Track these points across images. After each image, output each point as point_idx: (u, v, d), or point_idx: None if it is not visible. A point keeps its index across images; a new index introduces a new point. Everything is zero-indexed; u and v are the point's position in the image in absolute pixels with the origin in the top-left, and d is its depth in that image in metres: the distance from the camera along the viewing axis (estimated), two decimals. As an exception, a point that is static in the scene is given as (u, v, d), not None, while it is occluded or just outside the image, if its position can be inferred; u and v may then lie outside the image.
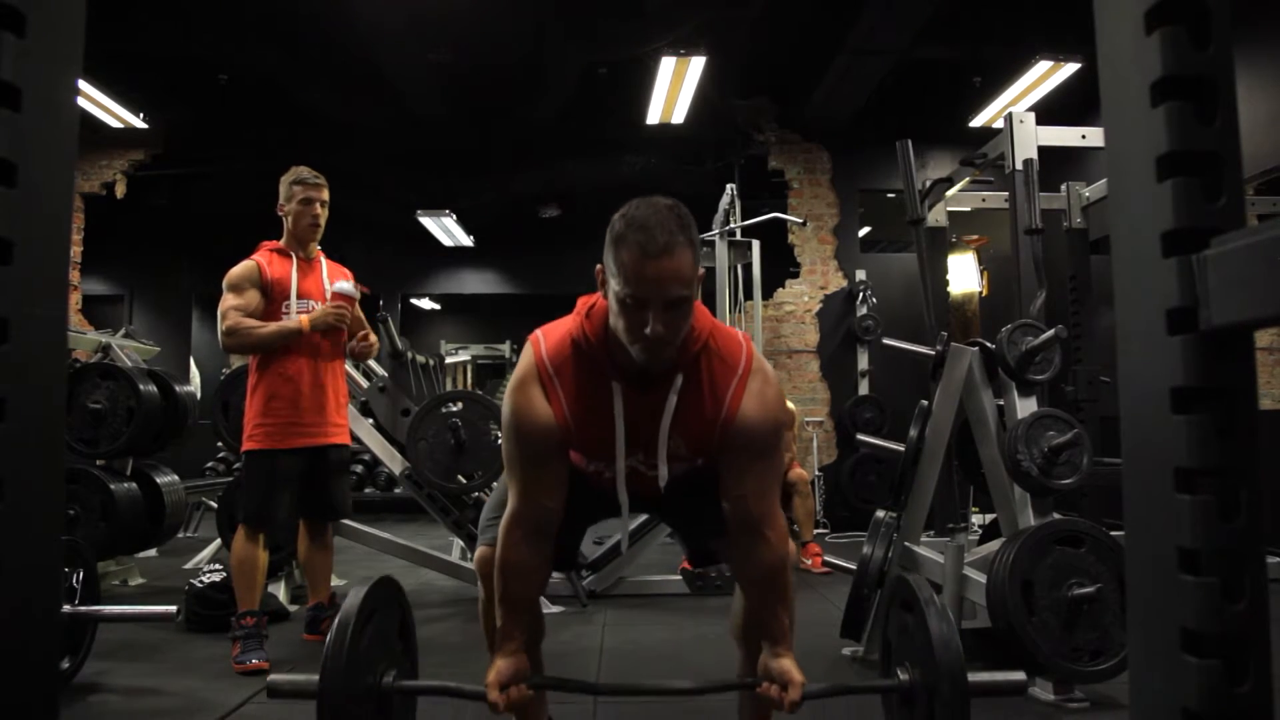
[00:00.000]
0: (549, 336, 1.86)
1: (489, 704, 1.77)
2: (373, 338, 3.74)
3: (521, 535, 1.84)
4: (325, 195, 3.57)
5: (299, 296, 3.48)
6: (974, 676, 1.76)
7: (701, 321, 1.82)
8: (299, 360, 3.44)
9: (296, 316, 3.44)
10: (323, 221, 3.56)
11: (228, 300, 3.39)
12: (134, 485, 4.56)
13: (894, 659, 1.99)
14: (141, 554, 5.24)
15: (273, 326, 3.37)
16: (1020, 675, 1.87)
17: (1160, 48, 0.66)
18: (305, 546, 3.70)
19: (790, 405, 6.20)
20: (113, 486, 4.34)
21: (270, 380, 3.41)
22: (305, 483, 3.49)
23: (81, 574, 2.95)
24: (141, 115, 7.82)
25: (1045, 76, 6.61)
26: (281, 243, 3.56)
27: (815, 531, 5.81)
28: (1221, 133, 0.65)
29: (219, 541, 5.16)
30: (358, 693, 1.74)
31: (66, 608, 2.83)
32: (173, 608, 2.98)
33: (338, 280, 3.59)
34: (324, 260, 3.65)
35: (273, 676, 1.84)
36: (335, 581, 5.01)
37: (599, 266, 1.72)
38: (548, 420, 1.80)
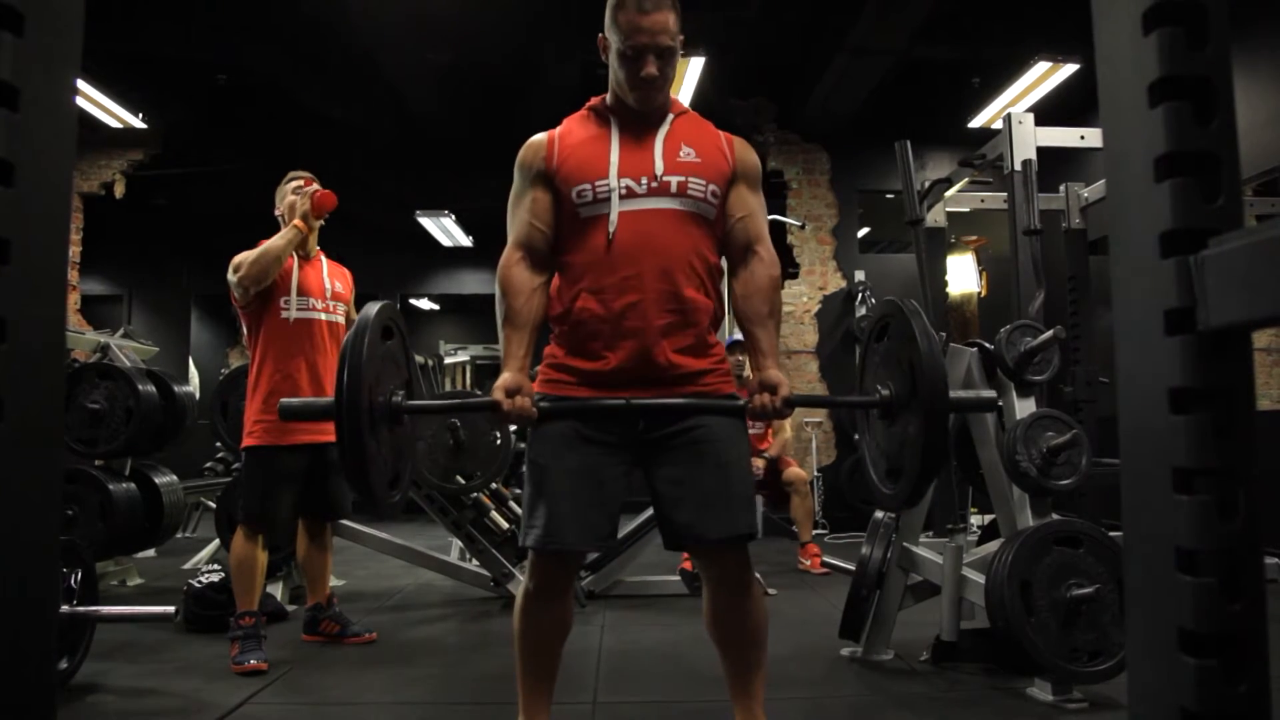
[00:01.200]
0: None
1: (493, 407, 1.96)
2: None
3: (520, 256, 2.08)
4: (316, 186, 3.60)
5: (299, 293, 3.48)
6: (953, 393, 1.90)
7: (682, 103, 2.19)
8: (298, 358, 3.44)
9: (295, 315, 3.45)
10: (316, 225, 3.58)
11: (235, 271, 3.40)
12: (133, 485, 4.56)
13: (874, 379, 2.11)
14: (140, 554, 5.25)
15: (277, 236, 3.41)
16: (991, 393, 1.99)
17: (1158, 48, 0.66)
18: (304, 546, 3.70)
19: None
20: (111, 487, 4.34)
21: (270, 377, 3.41)
22: (305, 481, 3.49)
23: (80, 574, 2.95)
24: (140, 115, 7.82)
25: (1044, 77, 6.62)
26: None
27: (814, 532, 5.81)
28: (1219, 133, 0.65)
29: (217, 542, 5.16)
30: (372, 406, 1.83)
31: (65, 608, 2.82)
32: (171, 608, 2.98)
33: (336, 279, 3.61)
34: (324, 259, 3.66)
35: (285, 399, 1.98)
36: (334, 582, 5.02)
37: (601, 36, 2.05)
38: (543, 146, 2.09)
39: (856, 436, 4.59)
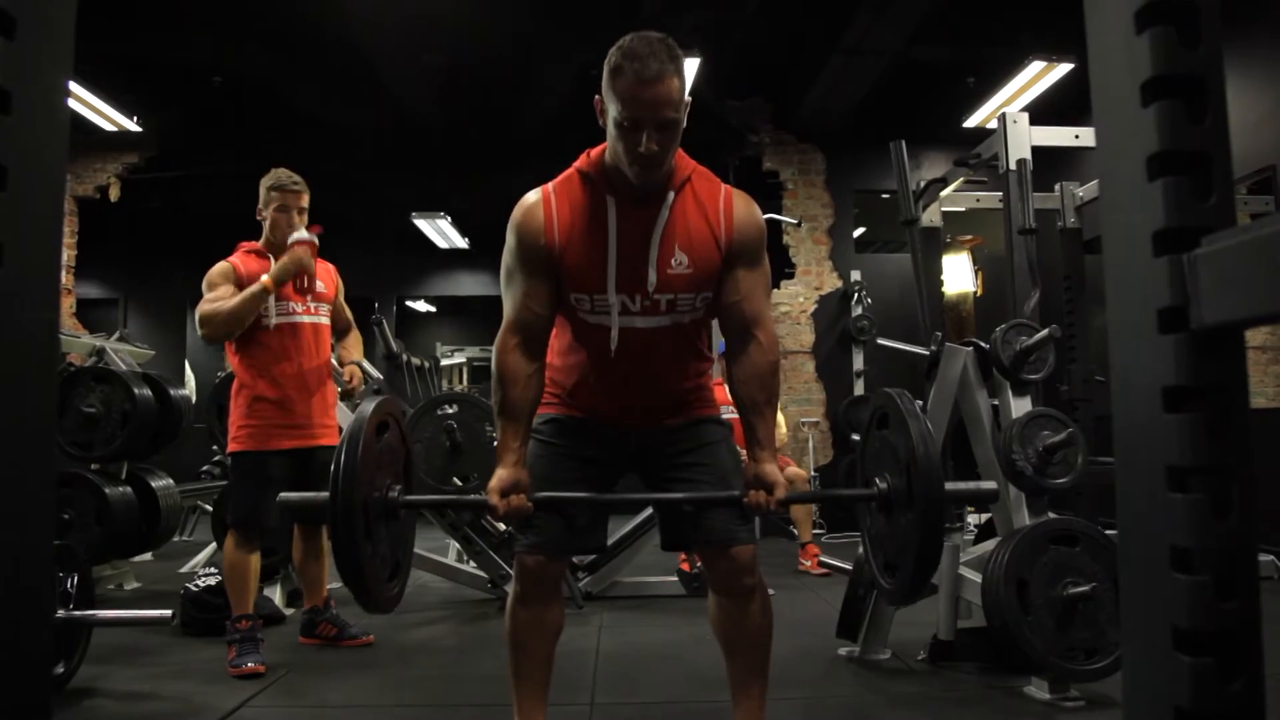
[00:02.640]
0: (555, 180, 2.04)
1: (489, 510, 1.90)
2: (350, 371, 3.65)
3: (516, 342, 2.00)
4: (304, 201, 3.51)
5: (279, 298, 3.42)
6: (950, 486, 1.86)
7: (687, 158, 2.02)
8: (284, 363, 3.42)
9: (275, 320, 3.40)
10: (301, 228, 3.49)
11: (203, 302, 3.34)
12: (129, 489, 4.55)
13: (871, 471, 2.07)
14: (137, 558, 5.24)
15: (242, 294, 3.30)
16: (992, 485, 1.98)
17: (1150, 47, 0.66)
18: (300, 550, 3.69)
19: (781, 428, 6.22)
20: (107, 491, 4.33)
21: (256, 382, 3.39)
22: (295, 486, 3.46)
23: (76, 578, 2.94)
24: (135, 118, 7.81)
25: (1039, 77, 6.62)
26: (259, 244, 3.53)
27: (813, 532, 5.81)
28: (1212, 132, 0.65)
29: (214, 545, 5.15)
30: (367, 505, 1.81)
31: (61, 612, 2.82)
32: (168, 612, 2.98)
33: (318, 278, 3.55)
34: None
35: (285, 494, 1.95)
36: (331, 584, 5.01)
37: (597, 98, 1.90)
38: (541, 228, 1.96)
39: (855, 436, 4.60)
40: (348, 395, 3.74)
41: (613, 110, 1.86)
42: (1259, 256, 0.58)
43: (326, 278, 3.63)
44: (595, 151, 2.00)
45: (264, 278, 3.33)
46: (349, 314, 3.75)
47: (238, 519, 3.41)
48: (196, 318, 3.36)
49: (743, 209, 2.02)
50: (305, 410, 3.48)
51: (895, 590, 2.01)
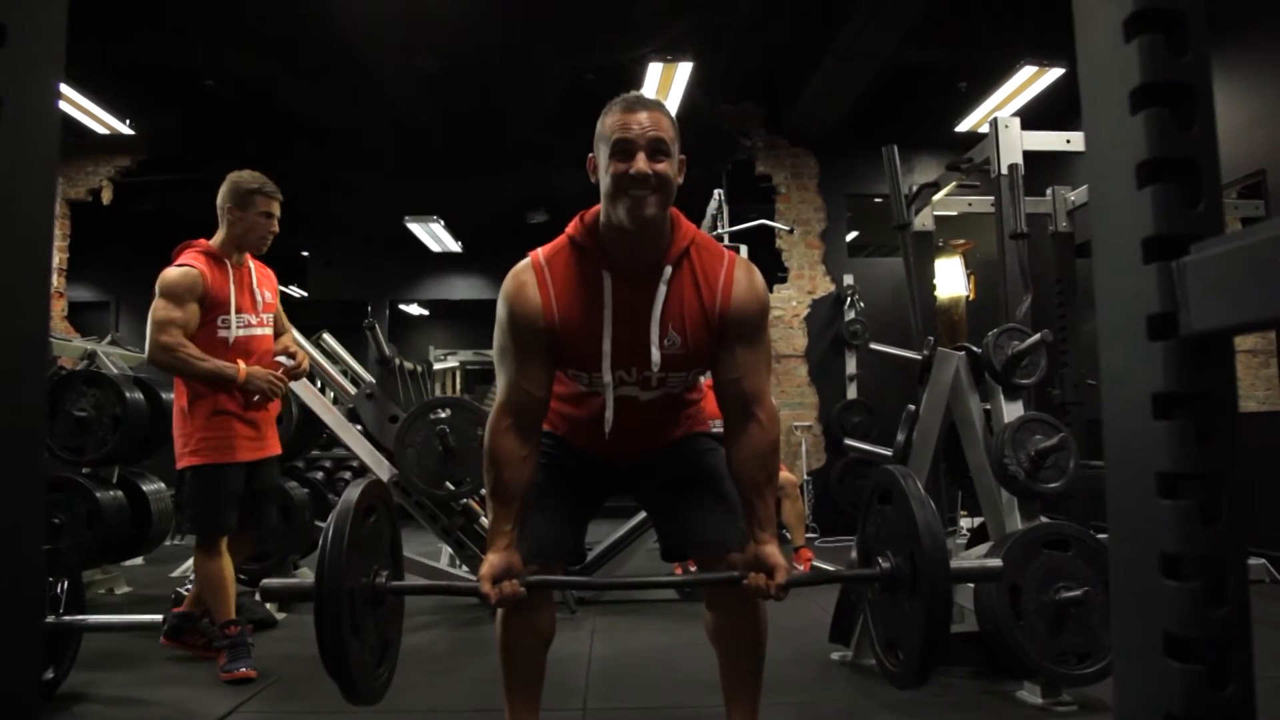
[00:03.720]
0: (546, 247, 1.98)
1: (481, 597, 1.84)
2: (301, 356, 3.59)
3: (509, 424, 1.93)
4: (279, 209, 3.48)
5: (237, 311, 3.35)
6: (955, 563, 1.81)
7: (687, 225, 1.95)
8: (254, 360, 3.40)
9: (235, 333, 3.31)
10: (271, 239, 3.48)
11: (166, 310, 3.21)
12: (120, 493, 4.53)
13: (873, 549, 2.01)
14: (128, 562, 5.21)
15: (212, 365, 3.22)
16: (997, 563, 1.96)
17: (1139, 55, 0.66)
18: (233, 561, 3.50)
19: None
20: (98, 495, 4.32)
21: (217, 394, 3.29)
22: (244, 495, 3.41)
23: (66, 583, 2.93)
24: (128, 121, 7.79)
25: (1030, 81, 6.65)
26: (216, 246, 3.40)
27: (806, 536, 5.82)
28: (1200, 139, 0.65)
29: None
30: (353, 592, 1.75)
31: (50, 618, 2.81)
32: (158, 616, 2.97)
33: (264, 288, 3.52)
34: (252, 263, 3.52)
35: (267, 580, 1.88)
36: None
37: (590, 156, 1.89)
38: (537, 308, 1.89)
39: (848, 441, 4.60)
40: (297, 376, 3.68)
41: (604, 149, 1.82)
42: (1247, 264, 0.58)
43: (270, 285, 3.58)
44: (589, 214, 1.94)
45: (242, 367, 3.27)
46: (285, 319, 3.69)
47: (209, 533, 3.31)
48: (160, 334, 3.19)
49: (743, 283, 1.94)
50: (262, 420, 3.46)
51: (902, 674, 1.93)
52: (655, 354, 1.88)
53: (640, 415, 2.04)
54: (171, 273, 3.29)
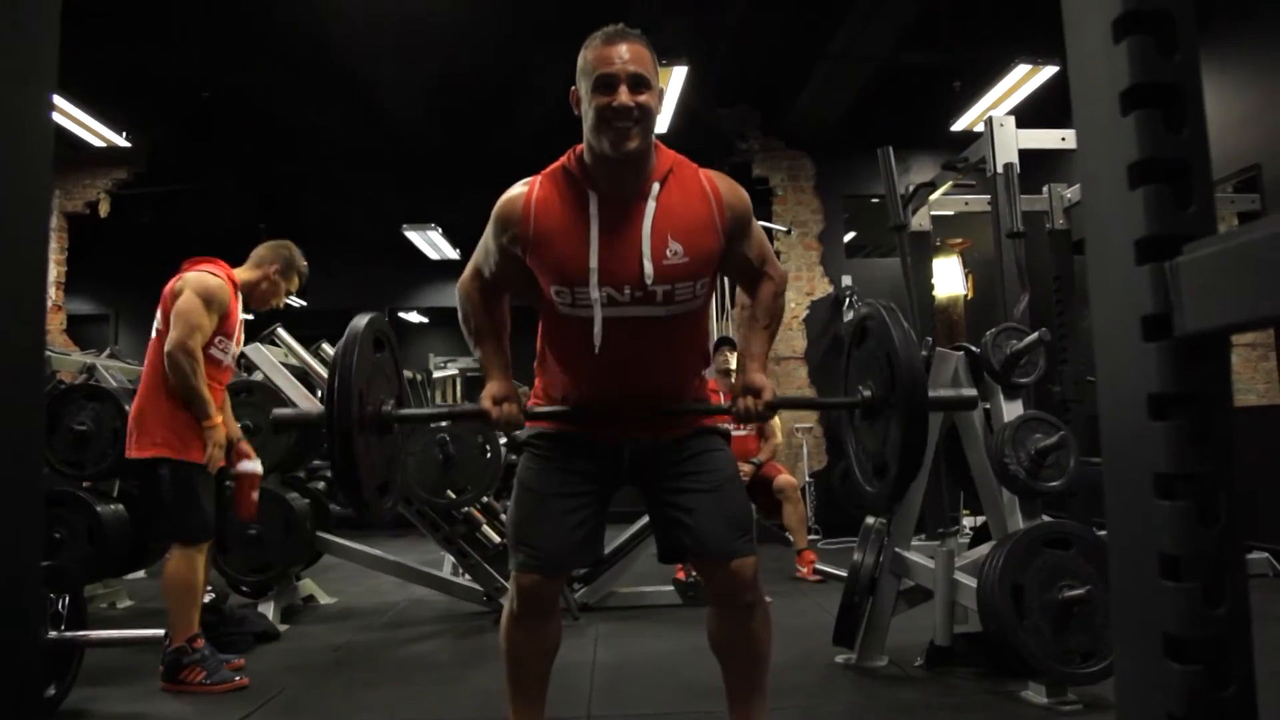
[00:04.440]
0: (545, 170, 2.05)
1: (483, 415, 2.00)
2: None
3: (478, 285, 2.11)
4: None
5: (235, 340, 3.56)
6: (933, 392, 2.00)
7: (666, 150, 2.03)
8: (220, 393, 3.51)
9: (217, 415, 3.36)
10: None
11: (201, 316, 3.32)
12: (121, 507, 4.52)
13: (857, 381, 2.16)
14: (129, 575, 5.21)
15: (205, 393, 3.30)
16: (972, 391, 2.05)
17: (1128, 56, 0.66)
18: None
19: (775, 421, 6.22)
20: (99, 509, 4.31)
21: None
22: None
23: (67, 599, 2.92)
24: (124, 134, 7.79)
25: (1024, 80, 6.65)
26: (239, 277, 3.57)
27: (808, 538, 5.82)
28: (1191, 140, 0.65)
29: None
30: (363, 419, 1.85)
31: (52, 633, 2.80)
32: (160, 631, 2.97)
33: (243, 460, 3.63)
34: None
35: (279, 410, 2.05)
36: (327, 599, 4.99)
37: (573, 89, 1.94)
38: (518, 214, 1.97)
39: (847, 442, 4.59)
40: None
41: (585, 82, 1.88)
42: (1240, 264, 0.58)
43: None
44: (579, 147, 2.01)
45: (217, 421, 3.33)
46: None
47: (201, 531, 3.32)
48: (189, 338, 3.26)
49: (727, 188, 2.04)
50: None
51: (881, 492, 2.09)
52: (648, 266, 1.92)
53: (637, 339, 1.99)
54: (213, 282, 3.41)
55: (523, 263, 1.99)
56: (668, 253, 1.93)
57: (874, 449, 2.10)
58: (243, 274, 3.59)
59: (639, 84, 1.86)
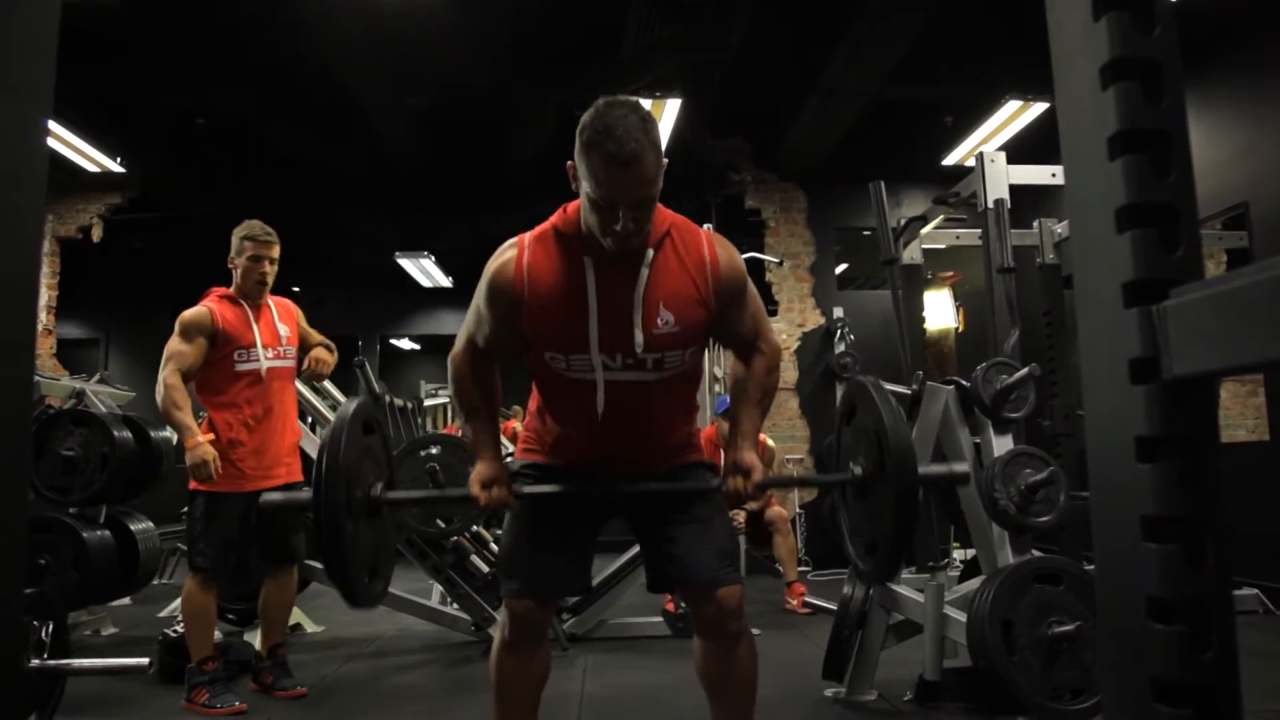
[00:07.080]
0: (534, 230, 1.99)
1: (472, 502, 1.97)
2: (327, 356, 3.66)
3: (469, 357, 2.07)
4: (275, 252, 3.56)
5: (254, 345, 3.47)
6: (923, 468, 1.91)
7: (663, 212, 1.96)
8: (257, 407, 3.45)
9: (199, 437, 3.32)
10: (270, 279, 3.55)
11: (173, 344, 3.36)
12: (108, 533, 4.48)
13: (848, 457, 2.12)
14: (115, 602, 5.15)
15: (180, 419, 3.29)
16: (964, 467, 2.02)
17: (1116, 102, 0.67)
18: (268, 588, 3.62)
19: (770, 442, 6.20)
20: (85, 535, 4.27)
21: (232, 426, 3.40)
22: (263, 526, 3.43)
23: (50, 626, 2.88)
24: (118, 159, 7.80)
25: (1015, 116, 6.71)
26: (232, 290, 3.54)
27: (798, 569, 5.79)
28: (1177, 185, 0.66)
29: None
30: (352, 504, 1.83)
31: (35, 662, 2.76)
32: (145, 660, 2.92)
33: (284, 321, 3.59)
34: (271, 301, 3.63)
35: (268, 494, 2.02)
36: (314, 628, 4.95)
37: (570, 164, 1.84)
38: (510, 282, 1.92)
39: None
40: (313, 377, 3.74)
41: (586, 186, 1.79)
42: (1227, 308, 0.59)
43: (289, 318, 3.66)
44: (571, 208, 1.95)
45: (199, 439, 3.30)
46: (317, 335, 3.74)
47: (215, 563, 3.35)
48: (165, 366, 3.32)
49: (725, 258, 1.98)
50: (276, 452, 3.49)
51: (874, 569, 2.06)
52: (638, 335, 1.90)
53: (633, 402, 1.99)
54: (187, 312, 3.45)
55: (517, 327, 1.97)
56: (659, 321, 1.92)
57: (865, 526, 2.08)
58: (233, 283, 3.56)
59: (641, 206, 1.80)
